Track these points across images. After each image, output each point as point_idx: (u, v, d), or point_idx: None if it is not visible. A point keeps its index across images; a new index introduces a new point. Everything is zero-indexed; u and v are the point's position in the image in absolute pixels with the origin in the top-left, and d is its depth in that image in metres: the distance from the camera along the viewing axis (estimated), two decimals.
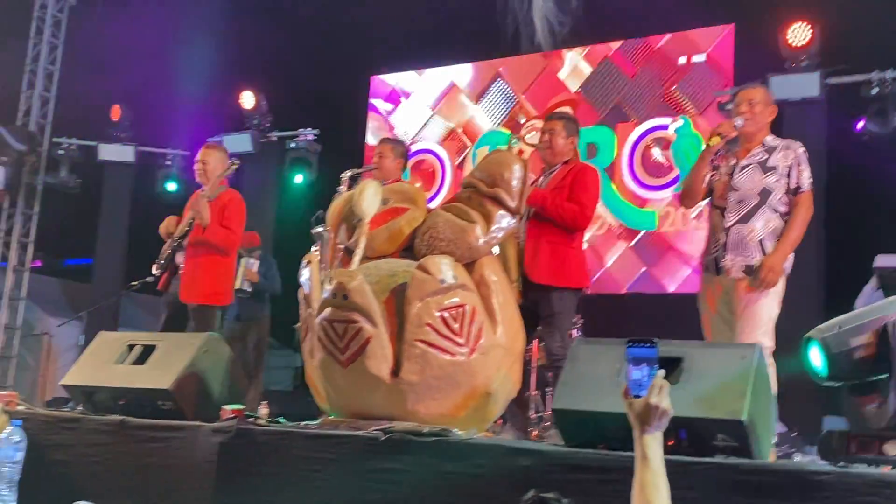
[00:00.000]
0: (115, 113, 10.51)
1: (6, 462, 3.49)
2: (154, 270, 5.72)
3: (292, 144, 9.97)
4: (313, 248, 5.25)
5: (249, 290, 7.73)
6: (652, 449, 2.18)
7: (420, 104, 9.99)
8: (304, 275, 3.76)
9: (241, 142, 9.86)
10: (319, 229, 5.15)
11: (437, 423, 3.41)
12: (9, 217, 10.89)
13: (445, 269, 3.47)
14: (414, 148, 9.81)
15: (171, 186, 10.61)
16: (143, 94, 10.20)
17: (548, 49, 8.99)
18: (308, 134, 9.87)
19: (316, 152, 9.91)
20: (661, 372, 2.24)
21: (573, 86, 9.20)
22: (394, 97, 10.19)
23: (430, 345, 3.40)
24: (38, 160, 10.79)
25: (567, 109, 9.12)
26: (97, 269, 10.82)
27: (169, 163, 10.56)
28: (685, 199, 4.64)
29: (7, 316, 10.94)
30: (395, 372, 3.42)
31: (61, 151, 10.61)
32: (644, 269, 8.54)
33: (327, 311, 3.46)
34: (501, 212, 3.76)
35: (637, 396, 2.22)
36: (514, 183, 3.78)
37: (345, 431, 3.41)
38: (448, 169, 9.67)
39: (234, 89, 10.02)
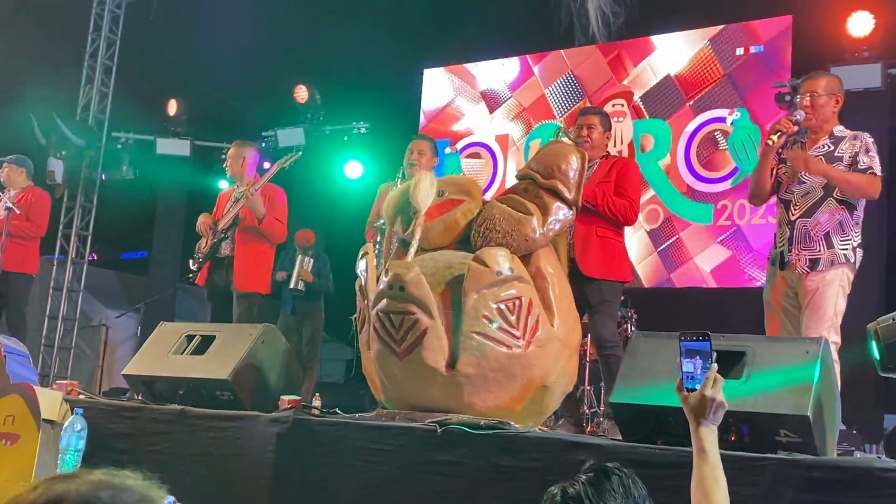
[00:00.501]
0: (172, 107, 10.65)
1: (69, 450, 3.55)
2: (192, 266, 5.86)
3: (345, 138, 10.01)
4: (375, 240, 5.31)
5: (303, 289, 7.81)
6: (709, 442, 2.16)
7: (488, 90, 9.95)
8: (360, 266, 3.76)
9: (294, 135, 9.94)
10: (380, 221, 5.19)
11: (493, 415, 3.41)
12: (68, 210, 11.09)
13: (502, 260, 3.45)
14: (468, 140, 9.81)
15: (224, 183, 10.72)
16: (199, 88, 10.32)
17: (602, 41, 8.92)
18: (361, 127, 9.91)
19: (368, 146, 9.94)
20: (715, 365, 2.21)
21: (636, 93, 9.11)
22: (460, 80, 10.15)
23: (487, 337, 3.39)
24: (96, 154, 10.98)
25: (622, 103, 9.09)
26: (154, 261, 10.99)
27: (224, 157, 10.65)
28: (753, 198, 4.59)
29: (66, 307, 11.17)
30: (452, 364, 3.41)
31: (119, 146, 10.78)
32: (668, 276, 8.53)
33: (383, 302, 3.46)
34: (558, 203, 3.73)
35: (691, 389, 2.20)
36: (572, 174, 3.74)
37: (401, 423, 3.42)
38: (500, 162, 9.63)
39: (289, 83, 10.08)
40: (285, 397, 3.77)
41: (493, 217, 3.72)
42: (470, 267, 3.42)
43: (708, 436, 2.16)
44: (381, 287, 3.47)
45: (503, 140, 9.68)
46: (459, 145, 9.85)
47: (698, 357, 2.24)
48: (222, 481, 3.60)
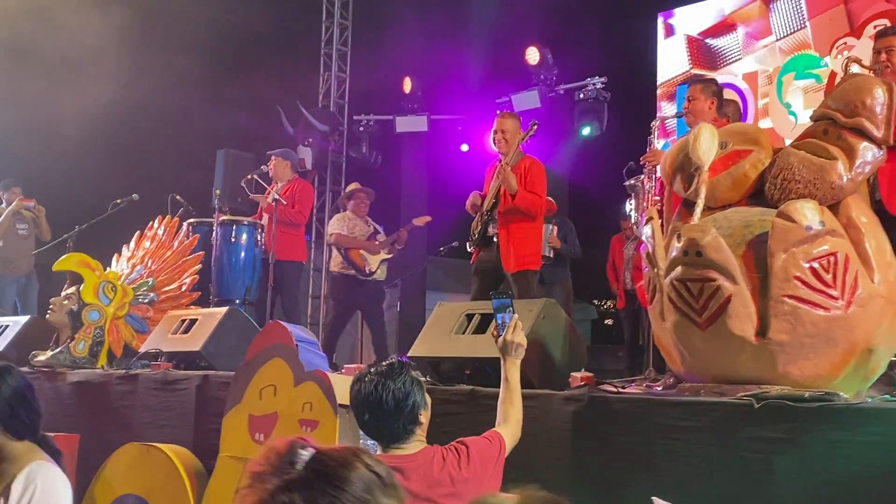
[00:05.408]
0: (407, 85, 10.82)
1: None
2: (469, 248, 5.85)
3: (580, 95, 9.74)
4: (628, 203, 5.08)
5: (551, 255, 7.74)
6: (511, 373, 3.04)
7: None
8: (646, 231, 3.53)
9: (529, 99, 9.79)
10: (632, 181, 4.94)
11: (812, 385, 3.09)
12: (319, 195, 11.60)
13: (811, 214, 3.10)
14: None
15: (464, 150, 10.78)
16: (431, 62, 10.40)
17: None
18: (596, 83, 9.60)
19: (605, 101, 9.61)
20: (516, 315, 3.08)
21: None
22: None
23: (801, 300, 3.06)
24: (340, 138, 11.39)
25: (885, 23, 8.19)
26: None
27: (460, 128, 10.73)
28: None
29: (326, 287, 11.71)
30: (761, 332, 3.12)
31: (361, 128, 11.11)
32: None
33: (679, 269, 3.21)
34: (865, 143, 3.31)
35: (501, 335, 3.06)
36: (879, 109, 3.30)
37: (709, 398, 3.18)
38: (750, 102, 9.00)
39: (519, 47, 9.93)
40: (576, 374, 3.64)
41: (791, 166, 3.36)
42: (774, 224, 3.10)
43: (511, 368, 3.04)
44: (675, 253, 3.23)
45: (751, 78, 9.02)
46: None
47: (504, 310, 3.08)
48: (522, 461, 3.49)
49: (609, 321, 20.70)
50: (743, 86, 9.04)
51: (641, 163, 4.94)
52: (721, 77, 9.17)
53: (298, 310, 7.50)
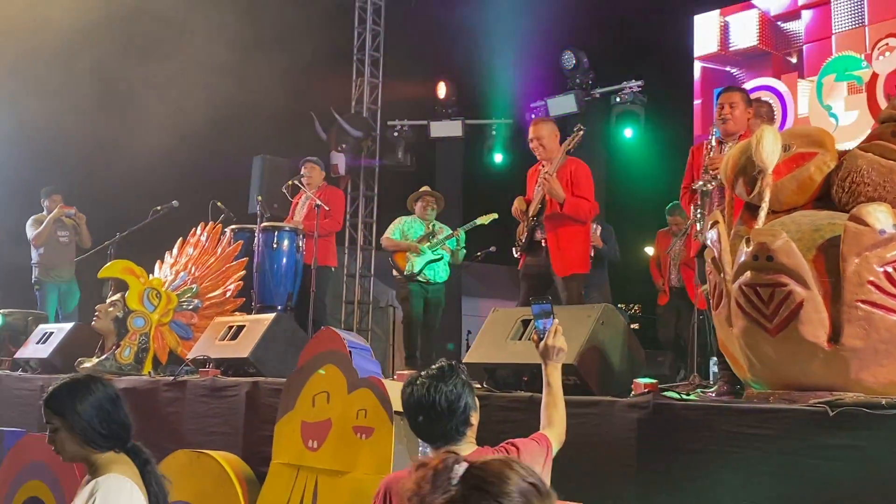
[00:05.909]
0: (441, 90, 10.80)
1: None
2: (515, 254, 5.82)
3: (617, 99, 9.68)
4: (693, 206, 4.98)
5: (592, 255, 7.70)
6: (553, 377, 3.00)
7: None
8: (712, 235, 3.48)
9: (564, 103, 9.74)
10: (701, 184, 4.87)
11: (885, 392, 3.04)
12: (352, 200, 11.60)
13: (884, 217, 3.04)
14: (750, 84, 9.12)
15: (498, 157, 10.75)
16: (465, 67, 10.38)
17: None
18: (633, 86, 9.53)
19: (642, 104, 9.55)
20: (556, 320, 3.02)
21: None
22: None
23: (875, 305, 3.01)
24: (373, 144, 11.39)
25: None
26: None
27: (494, 133, 10.70)
28: None
29: (359, 292, 11.71)
30: (834, 338, 3.06)
31: (395, 133, 11.10)
32: None
33: (748, 274, 3.16)
34: None
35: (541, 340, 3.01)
36: None
37: (780, 405, 3.12)
38: (789, 104, 8.89)
39: (554, 51, 9.89)
40: (640, 381, 3.59)
41: (860, 168, 3.31)
42: (846, 227, 3.05)
43: (553, 372, 3.01)
44: (744, 258, 3.18)
45: (791, 79, 8.91)
46: None
47: (545, 316, 3.03)
48: (585, 469, 3.47)
49: (635, 325, 20.50)
50: (781, 87, 8.93)
51: (705, 168, 4.86)
52: (756, 80, 9.07)
53: (326, 314, 7.49)
